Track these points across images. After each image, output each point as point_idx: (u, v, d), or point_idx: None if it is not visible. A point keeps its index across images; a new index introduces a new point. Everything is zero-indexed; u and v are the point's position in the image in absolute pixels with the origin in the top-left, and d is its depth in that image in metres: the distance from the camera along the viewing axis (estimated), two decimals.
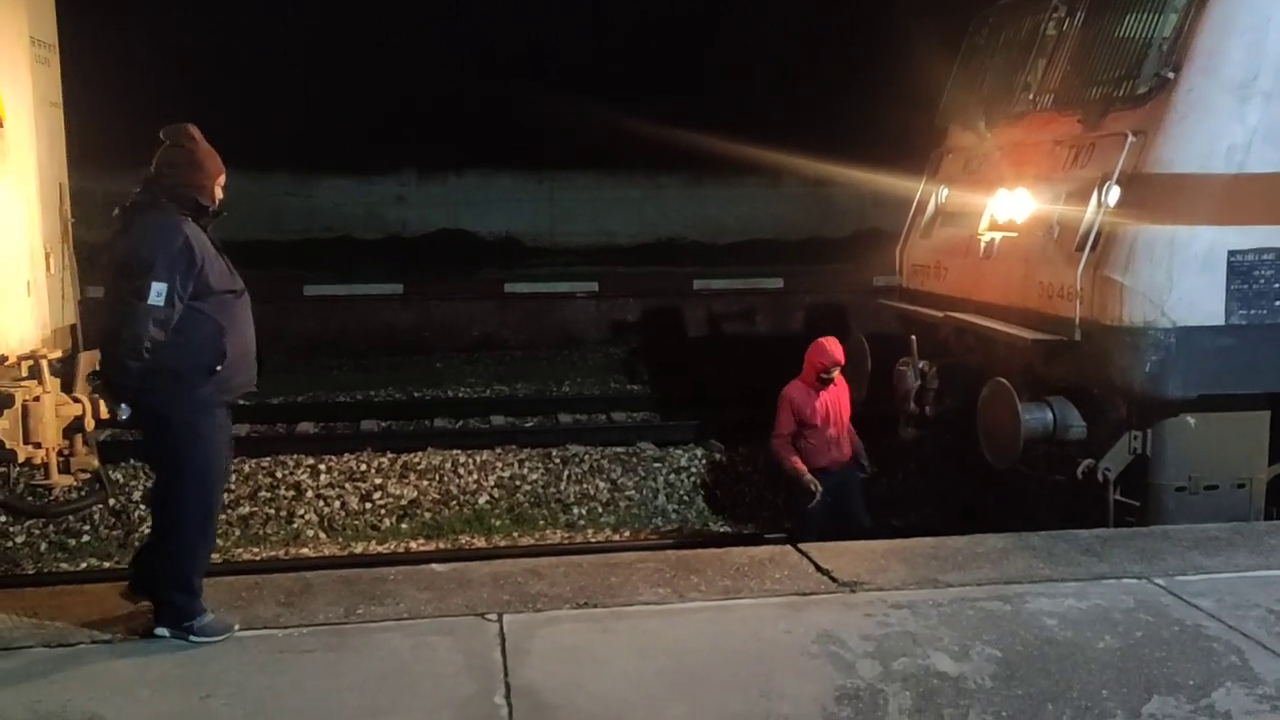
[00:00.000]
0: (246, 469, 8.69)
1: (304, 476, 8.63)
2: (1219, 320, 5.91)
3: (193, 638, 4.26)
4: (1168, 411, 6.09)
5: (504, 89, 18.68)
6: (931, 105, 8.68)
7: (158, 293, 4.09)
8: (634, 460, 9.14)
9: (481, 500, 8.58)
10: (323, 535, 8.14)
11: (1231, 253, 5.90)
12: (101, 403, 6.11)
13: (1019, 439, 6.16)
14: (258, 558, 7.71)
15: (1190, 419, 6.10)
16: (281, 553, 7.85)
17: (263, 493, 8.43)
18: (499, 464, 8.91)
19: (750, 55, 19.46)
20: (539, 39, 19.94)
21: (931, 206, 8.32)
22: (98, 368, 4.19)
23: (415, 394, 11.95)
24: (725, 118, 16.28)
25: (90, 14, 9.28)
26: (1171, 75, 6.02)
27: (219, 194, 4.40)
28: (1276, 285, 5.91)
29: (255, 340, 4.44)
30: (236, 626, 4.37)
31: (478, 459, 8.98)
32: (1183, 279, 5.89)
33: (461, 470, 8.85)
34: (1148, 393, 5.99)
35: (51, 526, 7.91)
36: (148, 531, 8.00)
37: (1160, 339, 5.89)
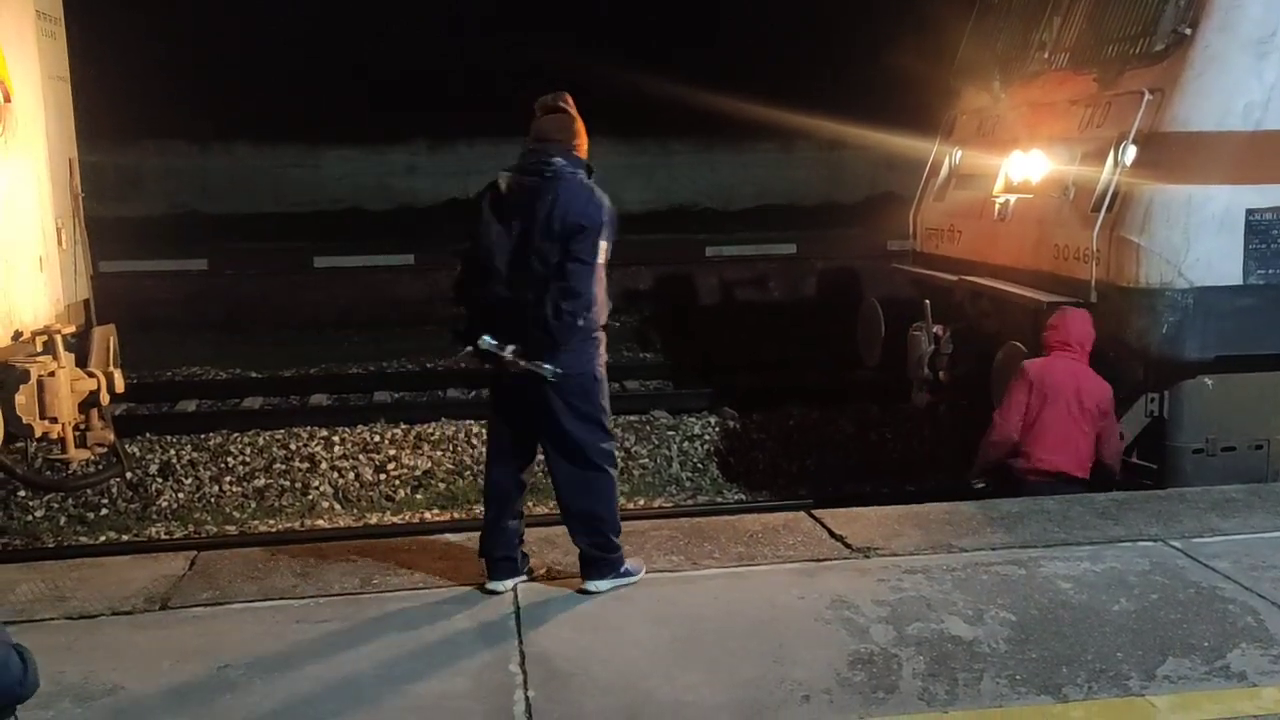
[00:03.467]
0: (261, 441, 8.73)
1: (318, 448, 8.67)
2: (1237, 280, 5.85)
3: (629, 580, 4.45)
4: (1185, 373, 6.05)
5: (512, 54, 18.54)
6: (945, 65, 8.58)
7: (605, 252, 4.32)
8: (647, 428, 9.14)
9: None
10: (338, 506, 8.18)
11: (1249, 212, 5.83)
12: (138, 379, 6.15)
13: None
14: (274, 529, 7.76)
15: (1208, 381, 6.06)
16: (297, 524, 7.90)
17: (278, 465, 8.47)
18: None
19: (758, 20, 19.27)
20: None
21: (945, 169, 8.26)
22: (534, 327, 4.21)
23: (428, 365, 11.96)
24: (736, 82, 16.14)
25: None
26: (1188, 32, 5.93)
27: None
28: None
29: None
30: (644, 569, 4.55)
31: None
32: (1200, 239, 5.83)
33: (475, 440, 8.86)
34: (1165, 355, 5.94)
35: (70, 500, 7.98)
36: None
37: (1177, 300, 5.84)
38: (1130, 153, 6.00)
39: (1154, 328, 5.88)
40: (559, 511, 4.57)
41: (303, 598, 4.46)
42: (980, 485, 6.00)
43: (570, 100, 4.46)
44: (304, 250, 15.29)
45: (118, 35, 14.86)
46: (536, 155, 4.37)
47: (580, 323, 4.25)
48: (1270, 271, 5.85)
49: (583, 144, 4.45)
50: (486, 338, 4.25)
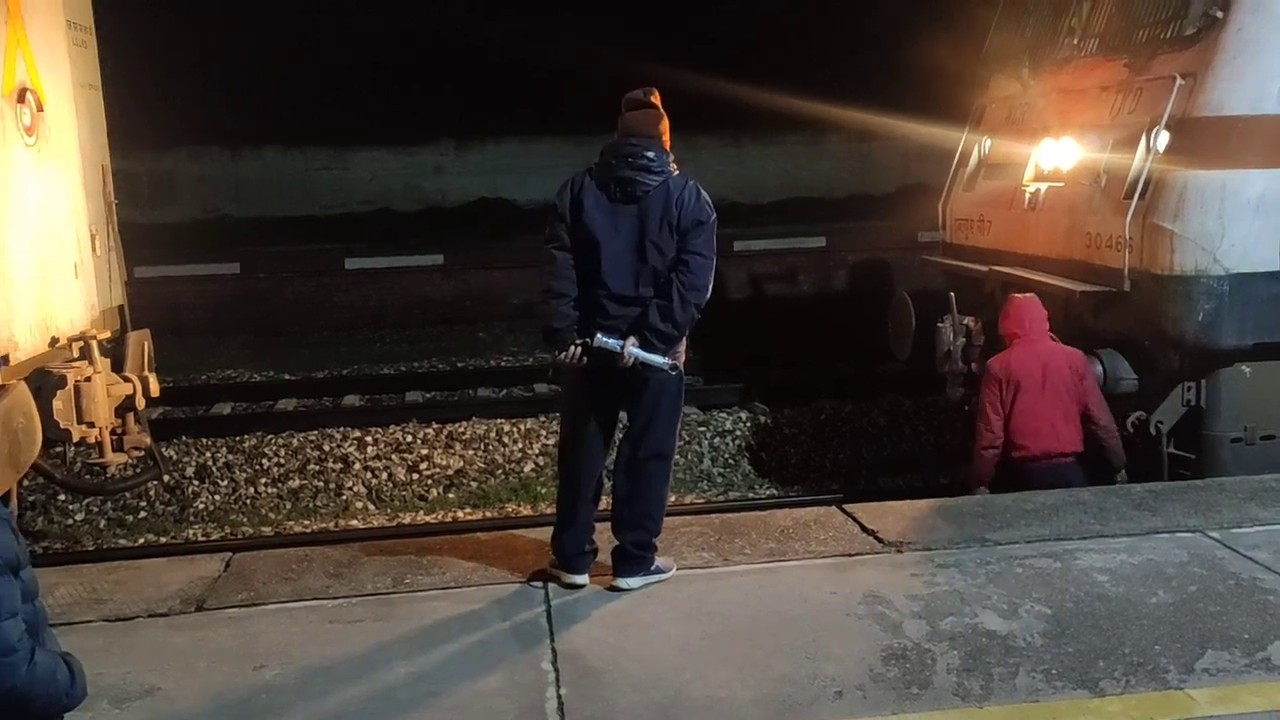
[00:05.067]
0: (295, 443, 8.81)
1: (351, 449, 8.73)
2: (1274, 266, 5.77)
3: (660, 577, 4.50)
4: (1222, 361, 5.96)
5: (540, 51, 18.54)
6: (974, 53, 8.49)
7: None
8: (679, 424, 9.12)
9: (527, 468, 8.62)
10: (371, 507, 8.24)
11: None
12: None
13: None
14: (308, 530, 7.83)
15: (1245, 368, 5.97)
16: (331, 524, 7.96)
17: (311, 466, 8.55)
18: (543, 432, 8.94)
19: (784, 10, 19.17)
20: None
21: (974, 159, 8.18)
22: (660, 320, 4.29)
23: (459, 364, 12.02)
24: (763, 74, 16.07)
25: None
26: (1220, 14, 5.84)
27: None
28: None
29: None
30: (675, 567, 4.57)
31: (522, 427, 9.02)
32: (1235, 224, 5.74)
33: (506, 439, 8.90)
34: (1201, 343, 5.86)
35: (109, 504, 8.09)
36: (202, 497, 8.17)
37: (1213, 287, 5.75)
38: (1163, 138, 5.92)
39: (1190, 315, 5.80)
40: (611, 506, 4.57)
41: (336, 598, 4.49)
42: (980, 492, 6.01)
43: (658, 95, 4.47)
44: (335, 252, 15.42)
45: (149, 44, 15.04)
46: (631, 150, 4.36)
47: (698, 314, 4.35)
48: None
49: (668, 139, 4.48)
50: (601, 335, 4.28)
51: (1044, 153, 7.07)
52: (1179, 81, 5.88)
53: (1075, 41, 7.20)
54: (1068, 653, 3.81)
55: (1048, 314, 6.10)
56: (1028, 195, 7.14)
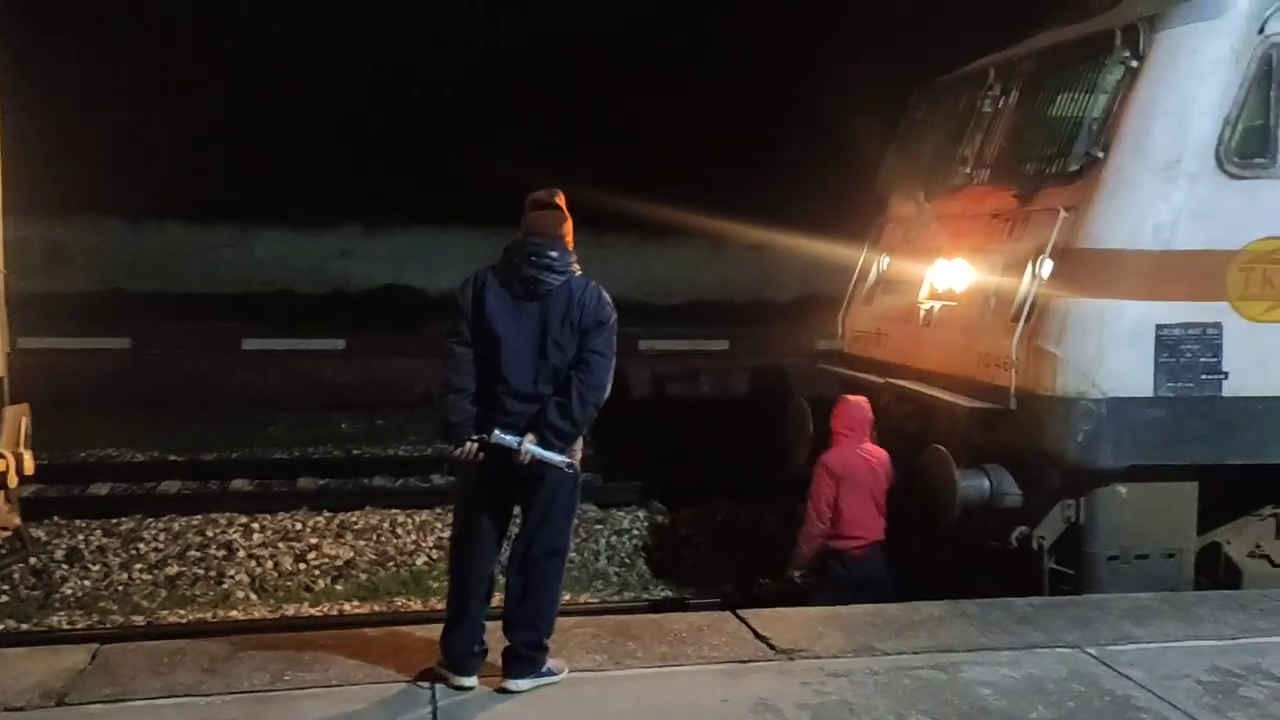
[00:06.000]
0: (176, 527, 8.48)
1: (236, 535, 8.44)
2: (1148, 392, 6.05)
3: (550, 679, 4.41)
4: (1100, 481, 6.19)
5: (455, 140, 18.76)
6: (871, 173, 8.87)
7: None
8: (575, 522, 9.05)
9: (419, 561, 8.44)
10: (254, 597, 7.93)
11: (1159, 327, 6.06)
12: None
13: (955, 506, 6.21)
14: (184, 620, 7.48)
15: (1121, 489, 6.20)
16: (209, 615, 7.63)
17: (192, 552, 8.22)
18: (438, 524, 8.78)
19: (692, 123, 19.82)
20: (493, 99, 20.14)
21: (873, 274, 8.46)
22: (558, 418, 4.26)
23: (354, 451, 11.79)
24: (667, 179, 16.51)
25: (32, 63, 9.20)
26: (1101, 154, 6.22)
27: None
28: (1203, 359, 6.07)
29: None
30: (567, 669, 4.51)
31: (417, 519, 8.85)
32: (1112, 351, 6.03)
33: (400, 530, 8.72)
34: (1079, 462, 6.09)
35: None
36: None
37: (1091, 409, 6.00)
38: (1047, 266, 6.23)
39: (1069, 435, 6.04)
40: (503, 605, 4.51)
41: (209, 695, 4.29)
42: (800, 577, 6.54)
43: (562, 196, 4.56)
44: (233, 331, 15.09)
45: (52, 107, 14.74)
46: (534, 249, 4.42)
47: (596, 413, 4.38)
48: (1179, 384, 6.05)
49: (571, 239, 4.56)
50: (499, 431, 4.27)
51: (939, 273, 7.36)
52: (1062, 214, 6.22)
53: (968, 170, 7.58)
54: None
55: (874, 419, 6.69)
56: (923, 312, 7.41)
